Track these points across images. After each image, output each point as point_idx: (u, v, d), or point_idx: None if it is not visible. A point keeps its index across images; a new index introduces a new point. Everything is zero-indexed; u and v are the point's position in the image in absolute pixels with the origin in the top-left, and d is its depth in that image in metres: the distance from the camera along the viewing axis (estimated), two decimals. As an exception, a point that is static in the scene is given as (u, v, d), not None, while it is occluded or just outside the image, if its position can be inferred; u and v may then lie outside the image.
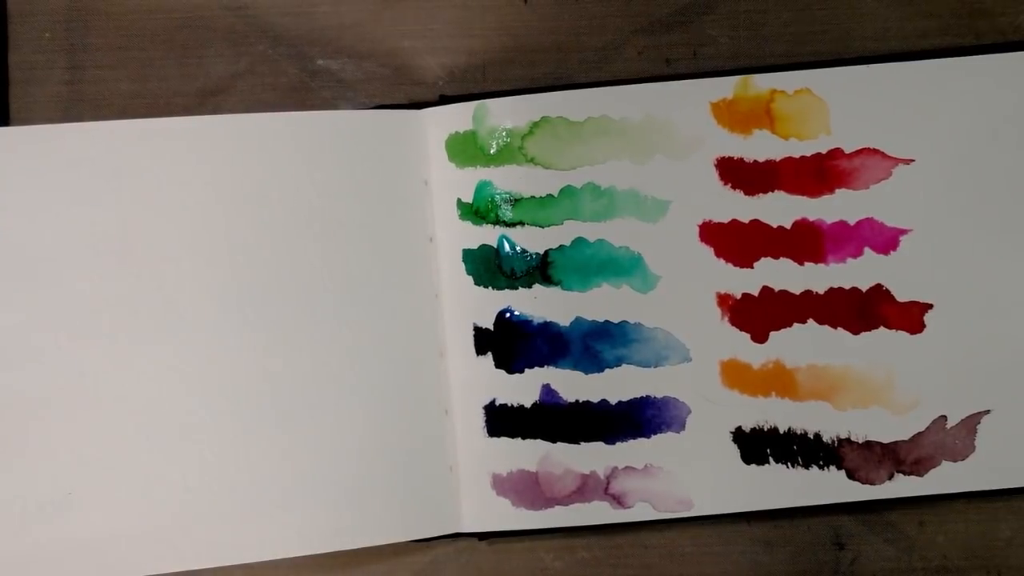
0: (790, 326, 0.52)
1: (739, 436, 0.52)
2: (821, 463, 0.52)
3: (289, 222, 0.53)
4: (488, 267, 0.53)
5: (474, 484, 0.53)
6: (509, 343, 0.53)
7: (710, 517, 0.53)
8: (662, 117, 0.53)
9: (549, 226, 0.53)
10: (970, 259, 0.52)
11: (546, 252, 0.53)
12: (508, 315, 0.53)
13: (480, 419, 0.53)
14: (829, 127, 0.52)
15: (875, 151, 0.52)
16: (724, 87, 0.53)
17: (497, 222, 0.53)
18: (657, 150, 0.53)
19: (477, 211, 0.53)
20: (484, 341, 0.53)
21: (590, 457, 0.52)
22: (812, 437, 0.52)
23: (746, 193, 0.52)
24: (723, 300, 0.52)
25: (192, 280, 0.52)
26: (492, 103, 0.53)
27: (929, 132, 0.52)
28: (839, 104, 0.52)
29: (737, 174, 0.53)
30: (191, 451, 0.51)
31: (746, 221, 0.52)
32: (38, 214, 0.52)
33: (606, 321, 0.53)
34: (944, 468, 0.51)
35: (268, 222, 0.53)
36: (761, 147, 0.53)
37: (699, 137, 0.53)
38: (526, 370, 0.53)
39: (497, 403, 0.53)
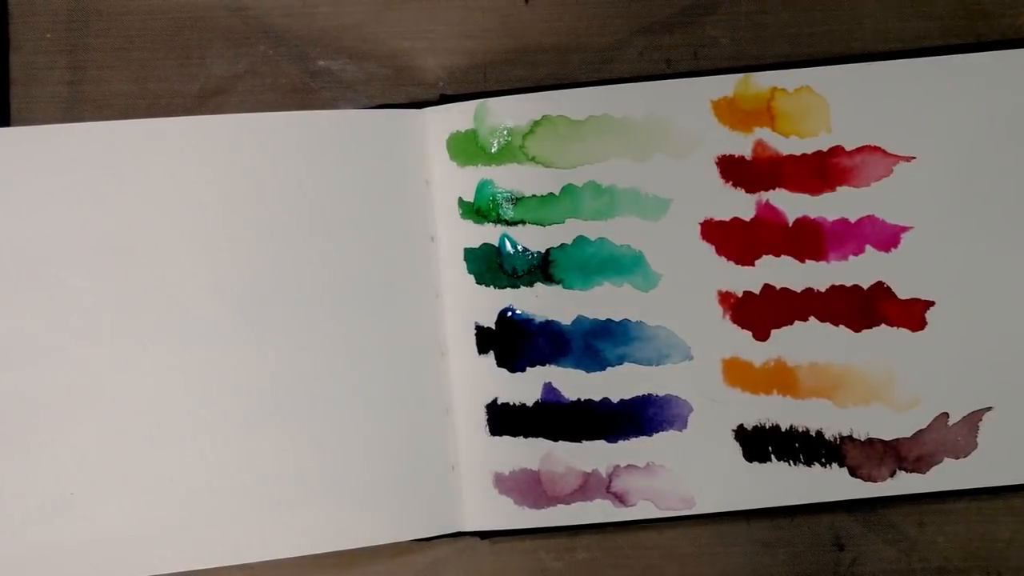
0: (791, 324, 0.52)
1: (741, 434, 0.52)
2: (823, 461, 0.52)
3: (290, 222, 0.53)
4: (489, 266, 0.53)
5: (476, 483, 0.53)
6: (511, 342, 0.53)
7: (711, 517, 0.53)
8: (663, 116, 0.53)
9: (550, 225, 0.53)
10: (971, 256, 0.52)
11: (547, 251, 0.53)
12: (510, 314, 0.53)
13: (482, 418, 0.53)
14: (830, 125, 0.52)
15: (876, 149, 0.52)
16: (725, 85, 0.53)
17: (498, 221, 0.53)
18: (658, 148, 0.53)
19: (478, 210, 0.53)
20: (486, 340, 0.53)
21: (592, 456, 0.52)
22: (814, 435, 0.52)
23: (747, 191, 0.53)
24: (724, 298, 0.53)
25: (193, 280, 0.52)
26: (493, 102, 0.53)
27: (930, 129, 0.52)
28: (839, 102, 0.52)
29: (738, 172, 0.53)
30: (191, 451, 0.51)
31: (747, 219, 0.53)
32: (39, 214, 0.52)
33: (607, 320, 0.53)
34: (946, 465, 0.51)
35: (269, 222, 0.53)
36: (762, 145, 0.53)
37: (700, 135, 0.53)
38: (528, 369, 0.53)
39: (499, 402, 0.53)
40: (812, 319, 0.52)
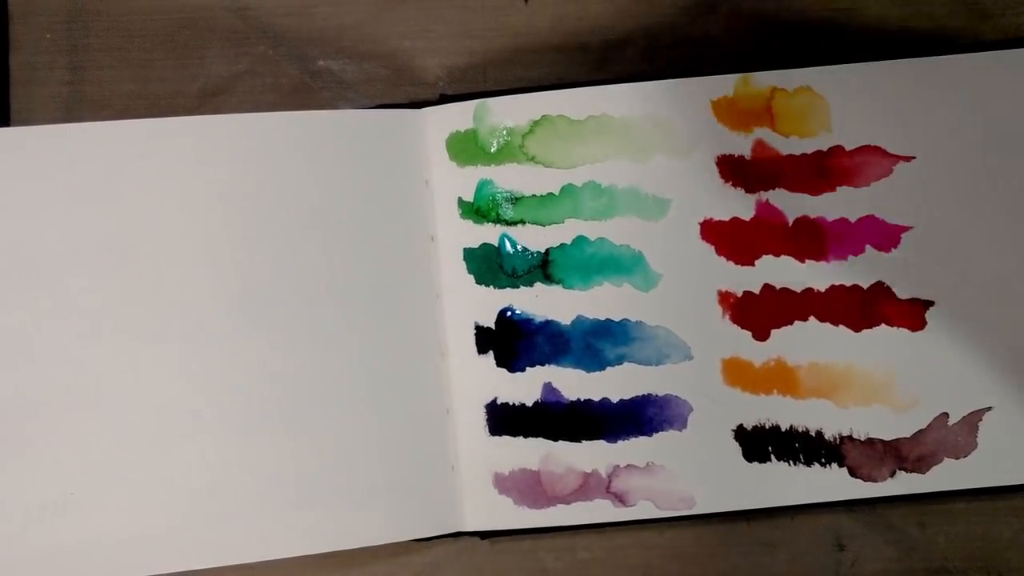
0: (791, 324, 0.52)
1: (741, 434, 0.52)
2: (823, 461, 0.52)
3: (290, 222, 0.53)
4: (489, 266, 0.53)
5: (476, 483, 0.53)
6: (510, 342, 0.53)
7: (711, 517, 0.53)
8: (663, 115, 0.53)
9: (550, 225, 0.53)
10: (971, 256, 0.52)
11: (547, 251, 0.53)
12: (509, 314, 0.53)
13: (482, 418, 0.53)
14: (830, 125, 0.52)
15: (876, 148, 0.52)
16: (725, 85, 0.53)
17: (498, 221, 0.53)
18: (658, 148, 0.53)
19: (478, 210, 0.53)
20: (485, 340, 0.53)
21: (592, 455, 0.52)
22: (814, 435, 0.52)
23: (747, 191, 0.53)
24: (724, 298, 0.52)
25: (193, 280, 0.52)
26: (493, 102, 0.53)
27: (929, 129, 0.52)
28: (839, 102, 0.52)
29: (738, 172, 0.53)
30: (191, 452, 0.51)
31: (747, 219, 0.53)
32: (39, 214, 0.52)
33: (607, 319, 0.53)
34: (946, 465, 0.51)
35: (269, 222, 0.53)
36: (762, 145, 0.53)
37: (700, 135, 0.53)
38: (527, 369, 0.53)
39: (498, 402, 0.53)
40: (812, 319, 0.52)
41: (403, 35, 0.56)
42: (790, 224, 0.52)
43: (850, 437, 0.52)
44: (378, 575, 0.54)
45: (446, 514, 0.53)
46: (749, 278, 0.52)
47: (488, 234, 0.53)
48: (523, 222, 0.53)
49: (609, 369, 0.53)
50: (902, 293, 0.52)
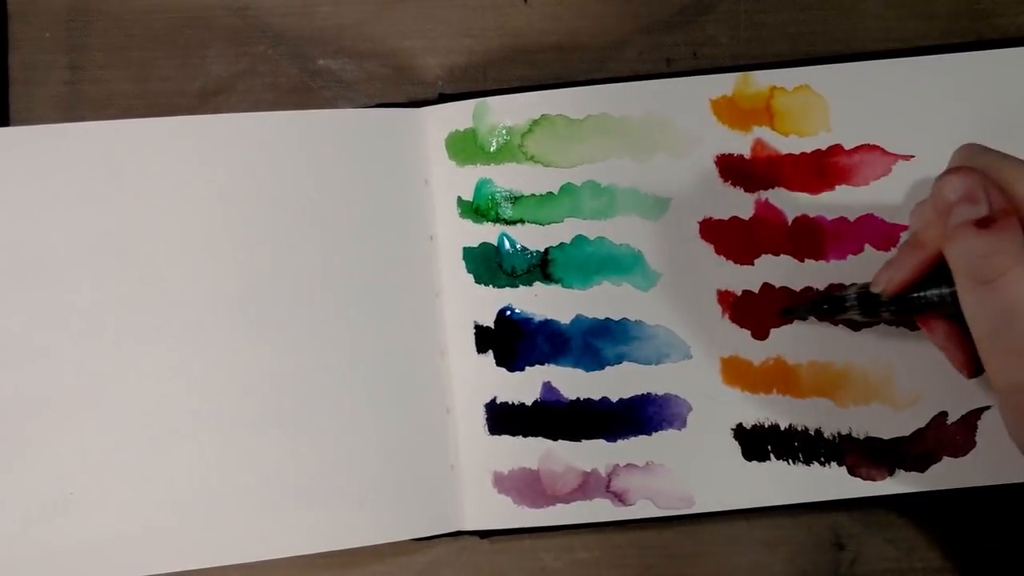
0: (791, 323, 0.52)
1: (740, 433, 0.52)
2: (822, 460, 0.52)
3: (290, 221, 0.53)
4: (488, 265, 0.53)
5: (475, 482, 0.53)
6: (510, 341, 0.53)
7: (710, 516, 0.53)
8: (662, 114, 0.53)
9: (549, 224, 0.53)
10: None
11: (546, 250, 0.53)
12: (509, 313, 0.53)
13: (481, 417, 0.53)
14: (829, 124, 0.52)
15: (875, 147, 0.52)
16: (724, 84, 0.53)
17: (497, 220, 0.53)
18: (657, 148, 0.53)
19: (477, 209, 0.53)
20: (485, 339, 0.53)
21: (591, 455, 0.52)
22: (813, 434, 0.52)
23: (746, 190, 0.53)
24: (724, 297, 0.52)
25: (193, 280, 0.52)
26: (492, 101, 0.53)
27: (929, 128, 0.52)
28: (839, 100, 0.52)
29: (737, 171, 0.53)
30: (191, 451, 0.51)
31: (746, 218, 0.53)
32: (39, 214, 0.52)
33: (607, 319, 0.53)
34: (945, 464, 0.51)
35: (269, 221, 0.53)
36: (761, 144, 0.53)
37: (699, 134, 0.53)
38: (527, 368, 0.53)
39: (498, 401, 0.53)
40: (811, 318, 0.52)
41: (403, 34, 0.56)
42: (789, 223, 0.52)
43: (849, 436, 0.52)
44: (378, 575, 0.54)
45: (446, 513, 0.53)
46: (748, 277, 0.52)
47: (487, 233, 0.53)
48: (522, 221, 0.53)
49: (608, 368, 0.53)
50: (901, 292, 0.52)
